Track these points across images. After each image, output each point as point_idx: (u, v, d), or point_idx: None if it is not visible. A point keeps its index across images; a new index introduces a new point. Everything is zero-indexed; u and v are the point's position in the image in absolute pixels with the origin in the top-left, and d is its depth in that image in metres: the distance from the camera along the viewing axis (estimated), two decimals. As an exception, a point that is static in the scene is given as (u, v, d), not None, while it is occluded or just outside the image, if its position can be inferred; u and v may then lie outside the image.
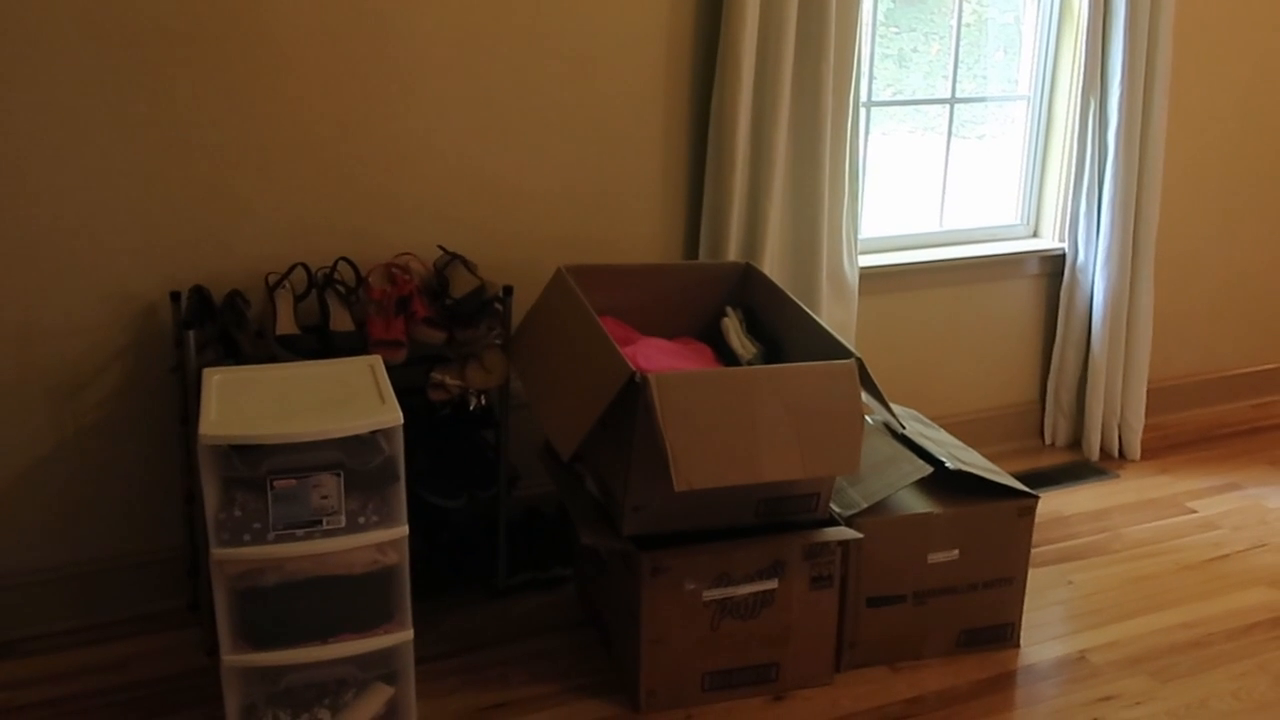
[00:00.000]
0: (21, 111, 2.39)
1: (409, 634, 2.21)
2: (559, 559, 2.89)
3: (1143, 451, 3.72)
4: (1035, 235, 3.71)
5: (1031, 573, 2.70)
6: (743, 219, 3.00)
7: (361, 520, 2.13)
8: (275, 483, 2.07)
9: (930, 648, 2.62)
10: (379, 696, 2.27)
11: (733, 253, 2.99)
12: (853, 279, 3.20)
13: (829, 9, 2.90)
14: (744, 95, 2.88)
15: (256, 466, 2.07)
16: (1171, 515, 3.35)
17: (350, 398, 2.17)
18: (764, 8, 2.87)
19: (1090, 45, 3.38)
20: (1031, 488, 2.64)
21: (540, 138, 2.85)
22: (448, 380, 2.57)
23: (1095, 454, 3.69)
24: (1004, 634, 2.67)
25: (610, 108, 2.91)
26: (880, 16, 3.34)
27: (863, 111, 3.17)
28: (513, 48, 2.77)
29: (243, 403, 2.13)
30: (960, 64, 3.50)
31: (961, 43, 3.48)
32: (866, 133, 3.31)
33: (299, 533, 2.10)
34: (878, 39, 3.33)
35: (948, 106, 3.52)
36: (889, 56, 3.47)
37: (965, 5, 3.46)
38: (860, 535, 2.45)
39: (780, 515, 2.43)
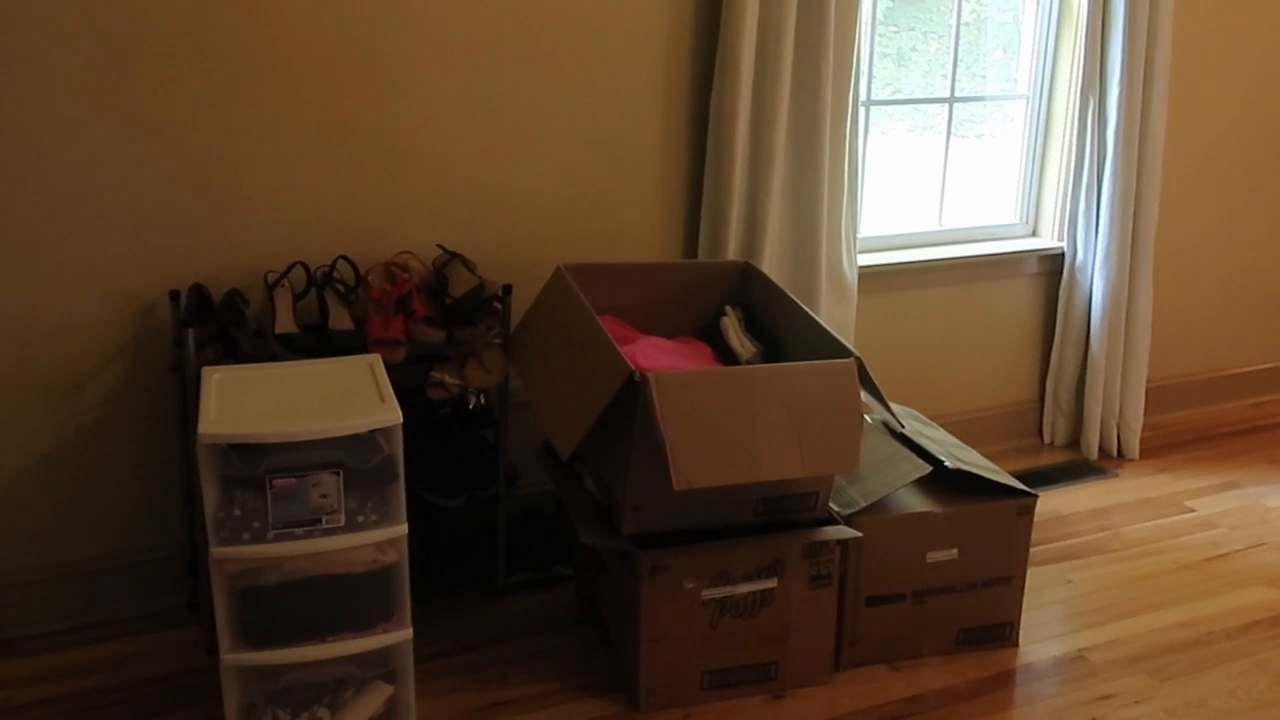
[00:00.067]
0: (21, 110, 2.39)
1: (408, 633, 2.21)
2: (558, 558, 2.89)
3: (1141, 450, 3.72)
4: (1034, 234, 3.71)
5: (1030, 572, 2.71)
6: (742, 218, 3.00)
7: (361, 519, 2.13)
8: (274, 481, 2.07)
9: (929, 646, 2.62)
10: (378, 695, 2.27)
11: (732, 251, 2.99)
12: (852, 278, 3.20)
13: (828, 8, 2.90)
14: (743, 94, 2.88)
15: (256, 465, 2.07)
16: (1170, 514, 3.35)
17: (349, 397, 2.17)
18: (763, 7, 2.86)
19: (1089, 44, 3.38)
20: (1030, 487, 2.64)
21: (539, 136, 2.85)
22: (447, 379, 2.58)
23: (1094, 453, 3.69)
24: (1003, 633, 2.67)
25: (610, 106, 2.91)
26: (879, 15, 3.34)
27: (862, 110, 3.17)
28: (512, 47, 2.77)
29: (242, 401, 2.13)
30: (959, 63, 3.50)
31: (960, 41, 3.48)
32: (865, 132, 3.32)
33: (298, 532, 2.10)
34: (877, 38, 3.33)
35: (947, 105, 3.53)
36: (888, 55, 3.47)
37: (964, 4, 3.46)
38: (859, 534, 2.45)
39: (779, 514, 2.43)
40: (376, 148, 2.70)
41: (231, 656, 2.12)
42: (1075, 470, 3.63)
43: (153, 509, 2.69)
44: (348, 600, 2.18)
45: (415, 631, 2.23)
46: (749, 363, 2.67)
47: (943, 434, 2.84)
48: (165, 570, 2.71)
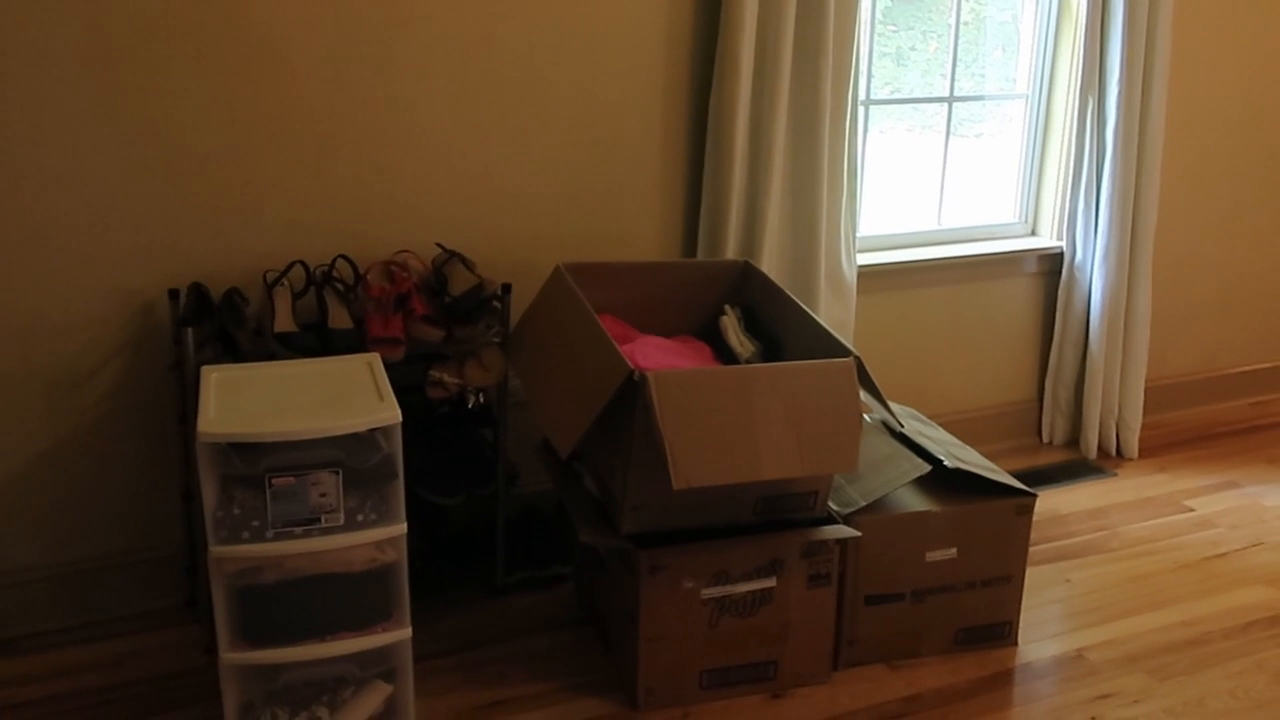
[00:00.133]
0: (20, 109, 2.39)
1: (407, 632, 2.21)
2: (557, 557, 2.89)
3: (1140, 450, 3.72)
4: (1033, 234, 3.71)
5: (1029, 571, 2.71)
6: (741, 217, 3.00)
7: (360, 518, 2.13)
8: (274, 480, 2.07)
9: (928, 646, 2.62)
10: (377, 694, 2.27)
11: (731, 251, 2.99)
12: (851, 277, 3.20)
13: (827, 7, 2.90)
14: (742, 93, 2.88)
15: (255, 464, 2.07)
16: (1169, 514, 3.35)
17: (348, 395, 2.17)
18: (763, 6, 2.86)
19: (1089, 43, 3.38)
20: (1029, 486, 2.64)
21: (539, 136, 2.85)
22: (446, 378, 2.58)
23: (1093, 452, 3.69)
24: (1002, 632, 2.67)
25: (609, 105, 2.91)
26: (878, 14, 3.34)
27: (861, 110, 3.17)
28: (511, 46, 2.77)
29: (241, 400, 2.13)
30: (958, 62, 3.50)
31: (960, 41, 3.48)
32: (865, 131, 3.32)
33: (297, 530, 2.10)
34: (876, 37, 3.33)
35: (946, 105, 3.53)
36: (887, 55, 3.47)
37: (963, 3, 3.46)
38: (858, 533, 2.45)
39: (778, 513, 2.43)
40: (376, 146, 2.70)
41: (230, 655, 2.12)
42: (1074, 470, 3.63)
43: (152, 508, 2.69)
44: (347, 599, 2.18)
45: (414, 630, 2.23)
46: (748, 362, 2.67)
47: (942, 433, 2.84)
48: (164, 569, 2.70)
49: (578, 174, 2.92)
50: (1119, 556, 3.10)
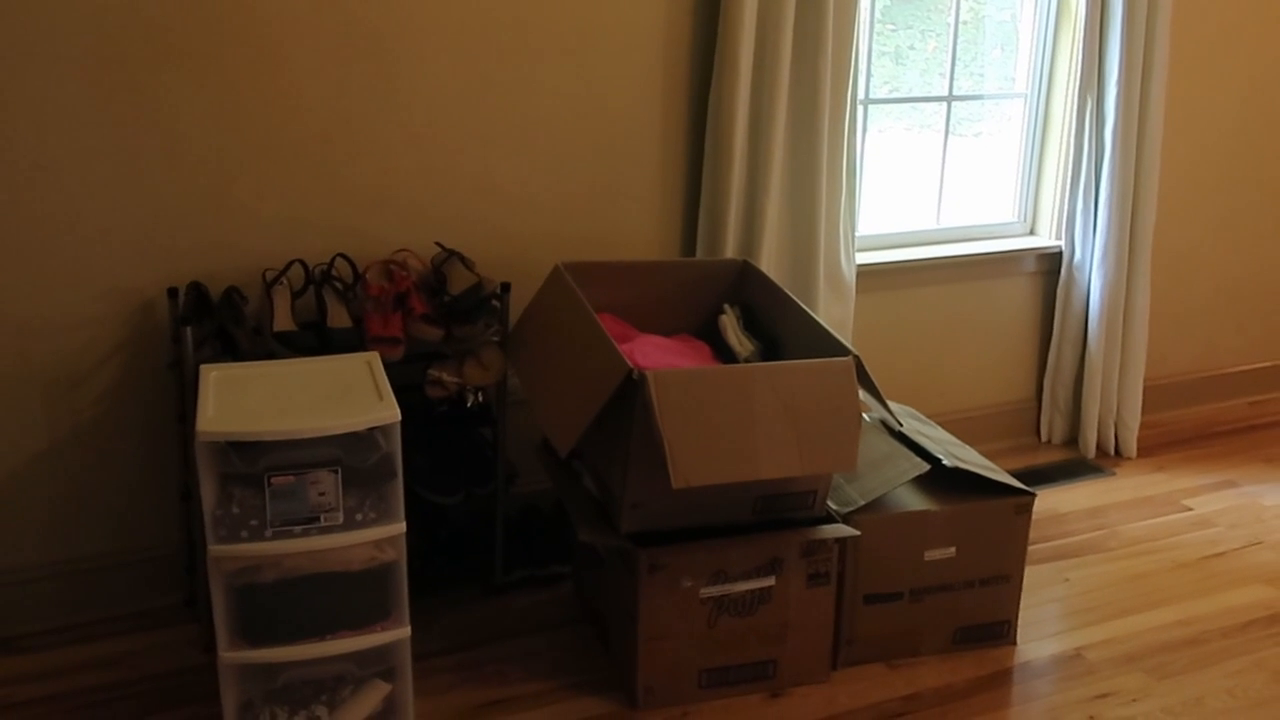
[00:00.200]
0: (19, 109, 2.39)
1: (406, 631, 2.21)
2: (556, 556, 2.89)
3: (1139, 449, 3.73)
4: (1032, 233, 3.71)
5: (1028, 570, 2.71)
6: (740, 216, 3.00)
7: (359, 517, 2.13)
8: (273, 479, 2.07)
9: (927, 645, 2.62)
10: (376, 693, 2.27)
11: (730, 250, 2.99)
12: (850, 276, 3.20)
13: (826, 6, 2.90)
14: (741, 92, 2.88)
15: (254, 463, 2.07)
16: (1167, 513, 3.35)
17: (348, 394, 2.17)
18: (761, 6, 2.86)
19: (1087, 43, 3.38)
20: (1028, 485, 2.64)
21: (538, 135, 2.85)
22: (445, 377, 2.58)
23: (1091, 451, 3.70)
24: (1000, 631, 2.67)
25: (608, 105, 2.91)
26: (877, 13, 3.34)
27: (860, 109, 3.17)
28: (511, 45, 2.77)
29: (240, 399, 2.13)
30: (957, 61, 3.50)
31: (959, 40, 3.48)
32: (864, 130, 3.32)
33: (296, 529, 2.09)
34: (875, 36, 3.33)
35: (945, 104, 3.53)
36: (886, 54, 3.47)
37: (962, 2, 3.46)
38: (857, 532, 2.45)
39: (778, 512, 2.43)
40: (375, 145, 2.70)
41: (229, 654, 2.12)
42: (1073, 469, 3.63)
43: (151, 506, 2.68)
44: (346, 598, 2.18)
45: (413, 629, 2.23)
46: (747, 361, 2.67)
47: (941, 432, 2.85)
48: (163, 568, 2.70)
49: (577, 173, 2.92)
50: (1117, 556, 3.10)
